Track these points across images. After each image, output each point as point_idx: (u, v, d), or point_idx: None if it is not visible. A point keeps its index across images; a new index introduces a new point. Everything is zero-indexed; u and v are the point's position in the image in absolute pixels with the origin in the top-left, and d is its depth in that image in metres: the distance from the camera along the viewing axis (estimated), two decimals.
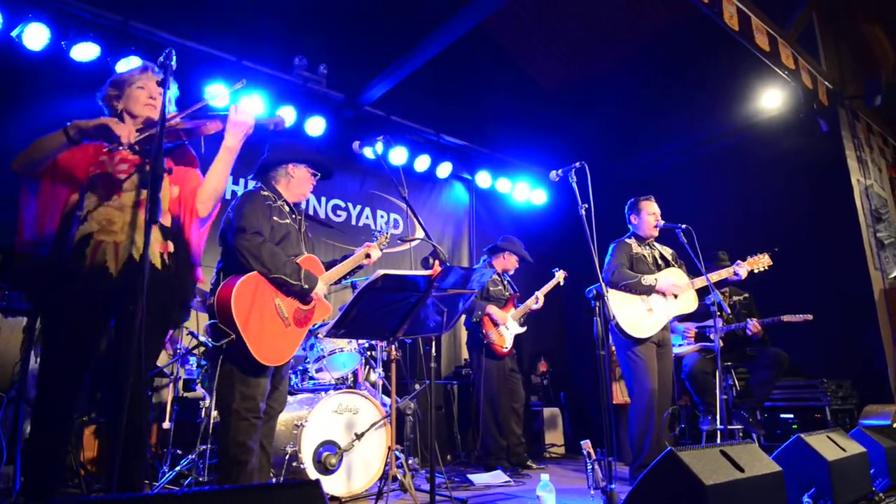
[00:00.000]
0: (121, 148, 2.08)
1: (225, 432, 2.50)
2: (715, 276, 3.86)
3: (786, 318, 4.19)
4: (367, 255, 3.08)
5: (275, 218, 2.75)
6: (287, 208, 2.87)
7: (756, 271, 3.94)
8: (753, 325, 4.23)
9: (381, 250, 3.17)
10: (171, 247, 2.18)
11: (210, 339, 3.72)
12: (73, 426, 2.95)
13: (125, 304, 1.99)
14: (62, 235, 2.04)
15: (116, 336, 2.07)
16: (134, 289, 1.96)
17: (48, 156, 2.05)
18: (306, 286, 2.66)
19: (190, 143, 2.36)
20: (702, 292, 3.96)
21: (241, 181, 5.32)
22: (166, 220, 2.20)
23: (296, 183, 2.92)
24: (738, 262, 3.99)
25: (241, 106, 2.26)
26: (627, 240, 4.09)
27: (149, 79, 2.27)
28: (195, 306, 3.83)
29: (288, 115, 5.30)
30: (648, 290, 3.83)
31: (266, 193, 2.81)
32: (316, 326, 3.91)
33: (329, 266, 3.04)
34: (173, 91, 2.30)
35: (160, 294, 2.07)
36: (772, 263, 3.97)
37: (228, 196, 5.22)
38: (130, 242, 2.04)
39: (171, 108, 2.31)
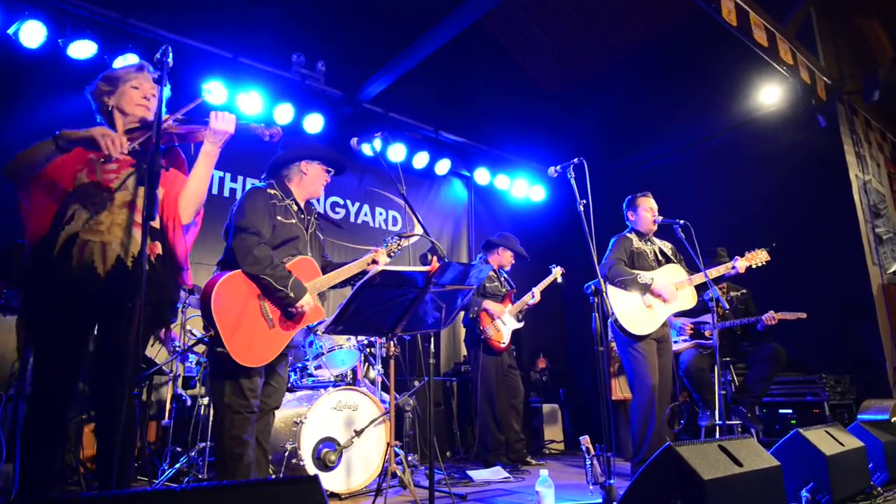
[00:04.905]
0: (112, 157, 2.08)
1: (219, 426, 2.49)
2: (713, 273, 3.86)
3: (779, 315, 4.18)
4: (374, 262, 2.87)
5: (279, 217, 2.70)
6: (295, 207, 2.82)
7: (754, 266, 3.94)
8: (770, 317, 4.20)
9: (391, 256, 2.97)
10: (158, 248, 2.19)
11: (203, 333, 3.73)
12: (70, 424, 2.93)
13: (114, 306, 2.01)
14: (51, 238, 2.03)
15: (103, 337, 2.07)
16: (123, 291, 1.99)
17: (38, 164, 2.05)
18: (291, 295, 2.55)
19: (181, 147, 2.36)
20: (700, 287, 3.96)
21: (240, 178, 5.31)
22: (155, 223, 2.20)
23: (309, 180, 2.88)
24: (736, 257, 3.98)
25: (222, 113, 2.26)
26: (628, 234, 4.09)
27: (144, 79, 2.27)
28: (191, 304, 3.85)
29: (286, 112, 5.29)
30: (644, 289, 3.83)
31: (273, 192, 2.75)
32: (315, 325, 3.91)
33: (330, 269, 2.90)
34: (166, 92, 2.31)
35: (147, 295, 2.06)
36: (769, 258, 3.96)
37: (227, 194, 5.22)
38: (119, 244, 2.04)
39: (163, 110, 2.32)
